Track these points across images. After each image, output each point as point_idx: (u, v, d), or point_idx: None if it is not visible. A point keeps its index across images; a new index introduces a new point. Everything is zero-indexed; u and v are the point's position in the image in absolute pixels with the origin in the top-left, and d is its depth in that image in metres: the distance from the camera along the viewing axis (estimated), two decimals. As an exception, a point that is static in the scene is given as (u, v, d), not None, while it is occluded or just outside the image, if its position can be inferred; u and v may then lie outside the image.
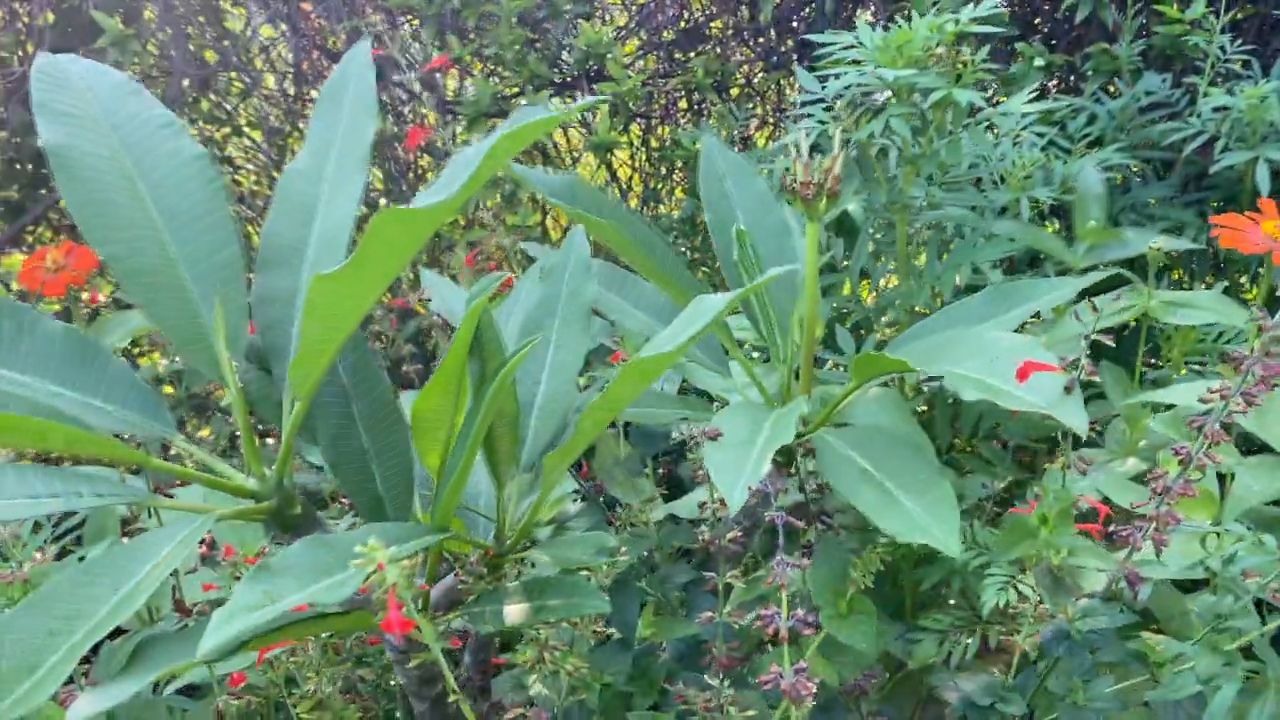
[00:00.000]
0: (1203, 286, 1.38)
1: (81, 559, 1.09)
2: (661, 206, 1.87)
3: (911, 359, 0.81)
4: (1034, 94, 1.56)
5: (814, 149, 1.19)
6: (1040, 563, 0.82)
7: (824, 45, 1.16)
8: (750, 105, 1.98)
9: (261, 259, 0.77)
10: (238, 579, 0.97)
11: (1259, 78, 1.40)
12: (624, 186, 1.99)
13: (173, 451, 1.05)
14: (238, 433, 1.55)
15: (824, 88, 1.19)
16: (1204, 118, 1.34)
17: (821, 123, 1.17)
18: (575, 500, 1.08)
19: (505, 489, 0.78)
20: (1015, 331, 0.99)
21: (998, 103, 1.57)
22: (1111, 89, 1.49)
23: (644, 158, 1.99)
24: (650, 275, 0.91)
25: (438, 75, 1.90)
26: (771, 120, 1.97)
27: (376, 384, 0.77)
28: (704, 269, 1.69)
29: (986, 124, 1.18)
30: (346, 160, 0.77)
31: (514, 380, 0.73)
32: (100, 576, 0.61)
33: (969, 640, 0.98)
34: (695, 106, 1.90)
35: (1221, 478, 1.00)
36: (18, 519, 0.73)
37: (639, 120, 1.91)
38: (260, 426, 1.51)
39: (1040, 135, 1.34)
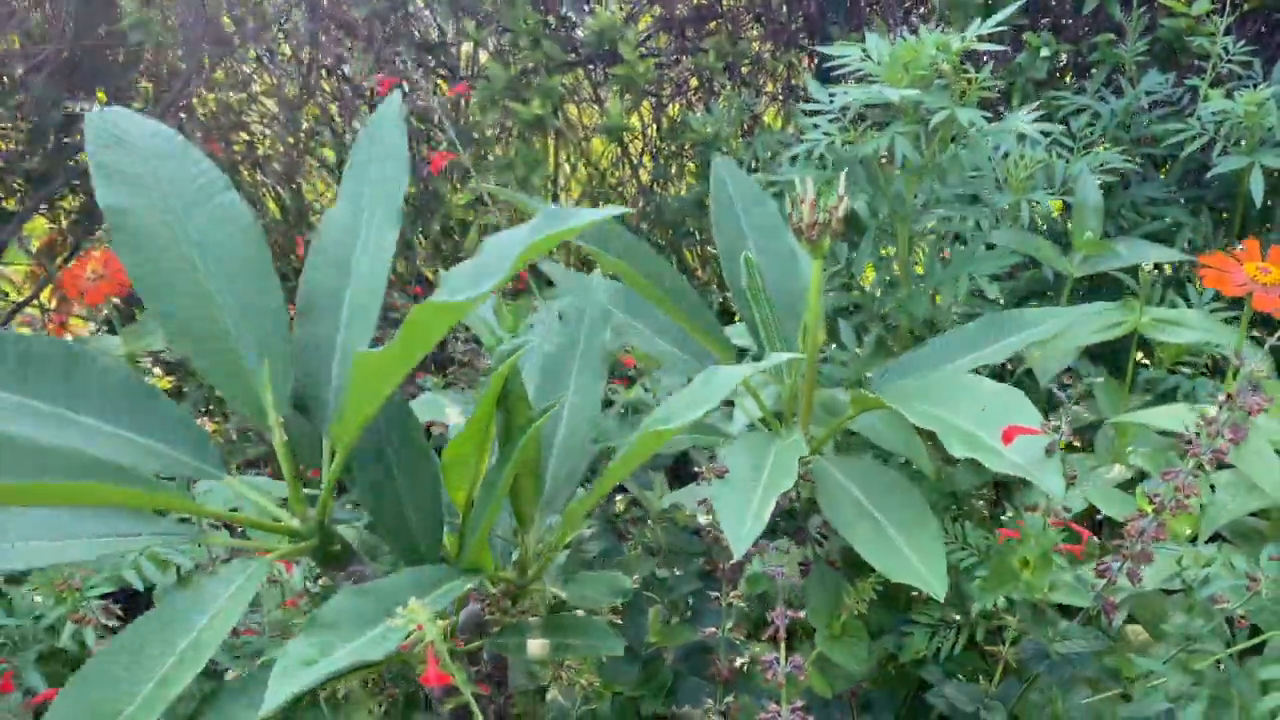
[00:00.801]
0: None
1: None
2: (671, 186, 1.90)
3: (903, 398, 0.86)
4: (1041, 82, 1.59)
5: (820, 160, 1.24)
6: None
7: (835, 57, 1.19)
8: (761, 81, 2.00)
9: (301, 308, 0.83)
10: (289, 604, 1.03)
11: (1260, 79, 1.42)
12: (635, 162, 2.03)
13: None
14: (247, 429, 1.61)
15: (831, 100, 1.23)
16: (1204, 119, 1.37)
17: (828, 135, 1.21)
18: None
19: (527, 527, 0.84)
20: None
21: (1005, 93, 1.61)
22: (1118, 78, 1.51)
23: (655, 134, 2.02)
24: (664, 308, 0.96)
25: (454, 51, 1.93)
26: (781, 98, 1.99)
27: (411, 431, 0.83)
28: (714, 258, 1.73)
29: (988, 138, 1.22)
30: (379, 213, 0.82)
31: (539, 432, 0.78)
32: (166, 627, 0.68)
33: (958, 636, 1.04)
34: (706, 85, 1.93)
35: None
36: (83, 560, 0.79)
37: (650, 98, 1.93)
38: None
39: (1045, 134, 1.37)
